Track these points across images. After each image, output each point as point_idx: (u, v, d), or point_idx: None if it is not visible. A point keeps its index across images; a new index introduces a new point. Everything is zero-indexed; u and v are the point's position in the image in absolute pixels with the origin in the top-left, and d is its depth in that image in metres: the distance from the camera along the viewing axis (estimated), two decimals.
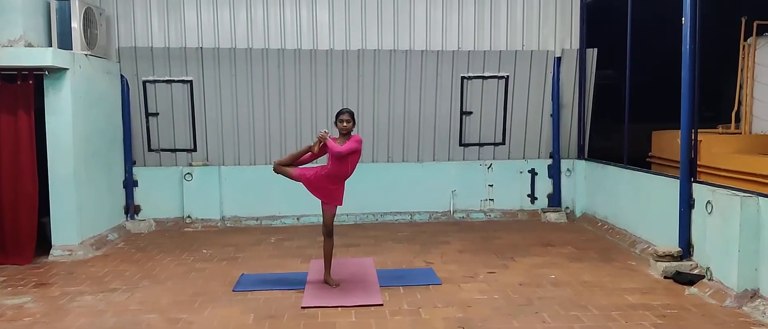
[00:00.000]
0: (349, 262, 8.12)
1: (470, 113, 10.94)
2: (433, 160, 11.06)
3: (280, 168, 6.92)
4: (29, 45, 8.17)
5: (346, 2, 10.55)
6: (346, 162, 6.68)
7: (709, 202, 6.92)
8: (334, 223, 9.61)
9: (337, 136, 6.80)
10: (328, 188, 6.80)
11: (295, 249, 8.95)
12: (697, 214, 7.35)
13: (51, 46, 8.51)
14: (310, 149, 6.84)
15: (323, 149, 6.73)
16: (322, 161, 7.03)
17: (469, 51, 10.74)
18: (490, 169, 11.08)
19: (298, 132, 10.60)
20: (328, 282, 7.01)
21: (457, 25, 10.74)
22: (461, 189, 11.03)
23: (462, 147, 11.07)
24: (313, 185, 6.82)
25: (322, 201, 6.89)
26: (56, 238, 8.55)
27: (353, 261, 8.16)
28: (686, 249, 7.46)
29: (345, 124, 6.71)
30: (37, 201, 8.36)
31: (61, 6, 8.67)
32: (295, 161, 6.98)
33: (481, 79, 10.85)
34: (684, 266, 7.25)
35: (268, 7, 10.47)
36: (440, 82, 10.78)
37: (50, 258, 8.42)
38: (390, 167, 10.97)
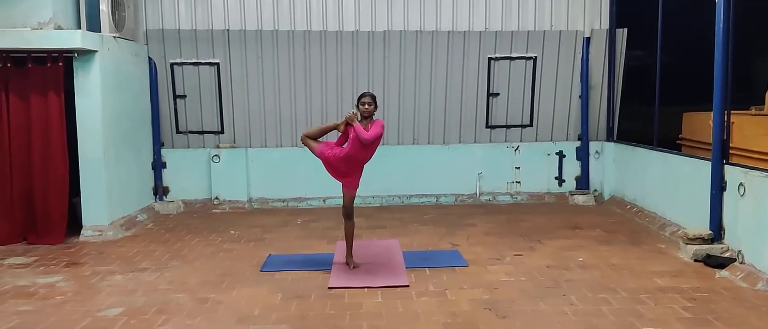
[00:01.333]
0: (375, 243, 8.13)
1: (497, 94, 10.85)
2: (460, 142, 11.00)
3: (306, 141, 6.85)
4: (59, 28, 8.25)
5: None
6: (367, 147, 6.62)
7: (741, 184, 6.80)
8: (360, 205, 9.63)
9: (360, 119, 6.73)
10: (345, 170, 6.76)
11: (321, 230, 8.99)
12: (728, 196, 7.22)
13: (80, 28, 8.59)
14: (336, 126, 6.80)
15: (348, 129, 6.69)
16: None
17: (496, 32, 10.63)
18: (517, 151, 10.99)
19: (323, 114, 10.60)
20: (347, 263, 7.03)
21: (484, 6, 10.63)
22: (488, 171, 10.96)
23: (488, 129, 10.99)
24: (331, 165, 6.78)
25: (342, 184, 6.89)
26: (87, 219, 8.68)
27: (379, 243, 8.18)
28: (717, 231, 7.35)
29: (367, 107, 6.62)
30: (68, 182, 8.50)
31: None
32: (321, 135, 6.97)
33: (508, 61, 10.74)
34: (715, 249, 7.14)
35: None
36: (467, 63, 10.69)
37: (81, 238, 8.55)
38: (416, 149, 10.93)
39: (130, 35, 9.57)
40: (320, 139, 6.96)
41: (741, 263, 6.64)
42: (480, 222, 9.35)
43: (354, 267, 6.95)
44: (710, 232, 7.31)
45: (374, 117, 6.74)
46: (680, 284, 6.36)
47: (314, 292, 6.24)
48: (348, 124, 6.63)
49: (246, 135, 10.77)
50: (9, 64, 8.18)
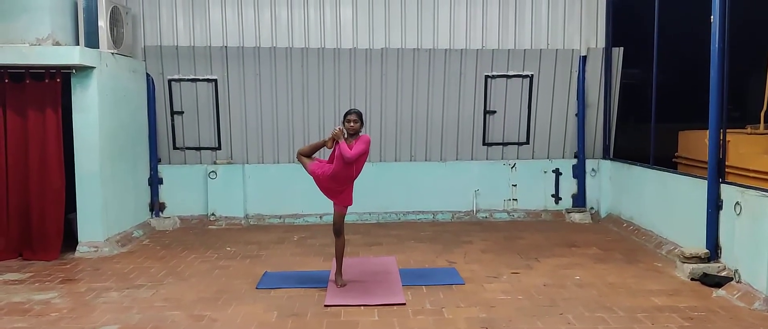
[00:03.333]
0: (372, 261, 8.12)
1: (494, 112, 10.88)
2: (456, 159, 11.02)
3: (300, 158, 6.90)
4: (57, 44, 8.28)
5: (369, 1, 10.55)
6: (350, 164, 6.60)
7: (737, 203, 6.81)
8: (357, 221, 9.63)
9: (346, 136, 6.70)
10: (332, 188, 6.76)
11: (317, 247, 8.97)
12: (725, 215, 7.23)
13: (78, 44, 8.61)
14: (324, 143, 6.80)
15: (335, 145, 6.67)
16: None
17: (493, 50, 10.68)
18: (513, 169, 11.01)
19: (320, 130, 10.59)
20: (336, 281, 6.99)
21: (481, 24, 10.69)
22: (484, 189, 10.97)
23: (485, 146, 11.01)
24: (321, 183, 6.79)
25: (333, 202, 6.87)
26: (82, 234, 8.65)
27: (376, 260, 8.16)
28: (714, 250, 7.35)
29: (352, 124, 6.62)
30: (64, 198, 8.47)
31: (88, 5, 8.79)
32: (313, 152, 6.98)
33: (505, 79, 10.78)
34: (711, 268, 7.13)
35: (293, 6, 10.50)
36: (464, 81, 10.74)
37: (76, 254, 8.52)
38: (413, 166, 10.94)
39: (128, 51, 9.61)
40: (313, 156, 6.98)
41: (738, 282, 6.64)
42: (477, 240, 9.34)
43: (341, 285, 6.90)
44: (707, 251, 7.31)
45: (361, 133, 6.74)
46: (677, 303, 6.35)
47: (310, 310, 6.22)
48: (335, 140, 6.63)
49: (243, 151, 10.78)
50: (6, 80, 8.19)
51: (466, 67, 10.69)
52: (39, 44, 8.17)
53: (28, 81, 8.22)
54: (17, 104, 8.28)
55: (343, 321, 5.91)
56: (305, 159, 6.88)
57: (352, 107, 7.36)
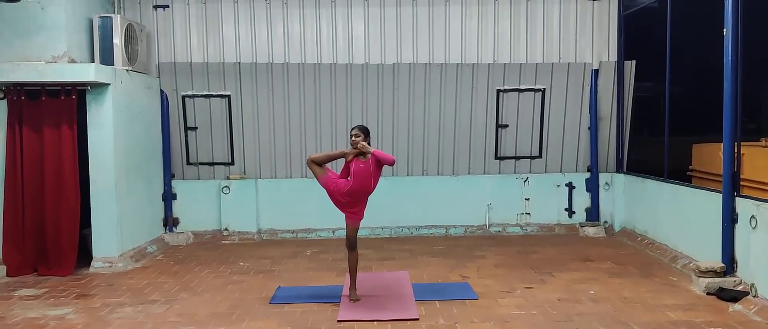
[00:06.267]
0: (385, 276, 8.10)
1: (506, 126, 10.87)
2: (469, 173, 11.00)
3: (311, 165, 6.81)
4: (72, 61, 8.38)
5: (381, 16, 10.60)
6: (371, 178, 6.64)
7: (753, 216, 6.76)
8: (369, 236, 9.63)
9: (350, 148, 6.73)
10: (347, 203, 6.77)
11: (330, 262, 8.97)
12: (740, 229, 7.17)
13: (93, 62, 8.73)
14: (343, 154, 6.80)
15: (350, 163, 6.69)
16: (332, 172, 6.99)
17: (504, 64, 10.68)
18: (526, 182, 10.98)
19: (333, 145, 10.62)
20: (350, 295, 6.98)
21: (492, 38, 10.71)
22: (497, 203, 10.94)
23: (498, 160, 10.99)
24: (335, 198, 6.80)
25: (345, 216, 6.88)
26: (97, 250, 8.70)
27: (389, 275, 8.15)
28: (730, 264, 7.28)
29: (353, 138, 6.64)
30: (79, 213, 8.54)
31: (103, 23, 8.88)
32: (327, 161, 6.93)
33: (517, 92, 10.78)
34: (727, 282, 7.07)
35: (305, 23, 10.58)
36: (476, 95, 10.74)
37: (91, 269, 8.58)
38: (425, 181, 10.94)
39: (142, 68, 9.70)
40: (326, 165, 6.93)
41: (754, 296, 6.58)
42: (490, 254, 9.31)
43: (354, 300, 6.89)
44: (722, 265, 7.24)
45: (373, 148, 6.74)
46: (693, 318, 6.30)
47: (323, 325, 6.22)
48: (360, 154, 6.63)
49: (256, 166, 10.82)
50: (23, 97, 8.30)
51: (478, 82, 10.70)
52: (55, 62, 8.28)
53: (44, 98, 8.31)
54: (33, 120, 8.38)
55: None
56: (317, 168, 6.80)
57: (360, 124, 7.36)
